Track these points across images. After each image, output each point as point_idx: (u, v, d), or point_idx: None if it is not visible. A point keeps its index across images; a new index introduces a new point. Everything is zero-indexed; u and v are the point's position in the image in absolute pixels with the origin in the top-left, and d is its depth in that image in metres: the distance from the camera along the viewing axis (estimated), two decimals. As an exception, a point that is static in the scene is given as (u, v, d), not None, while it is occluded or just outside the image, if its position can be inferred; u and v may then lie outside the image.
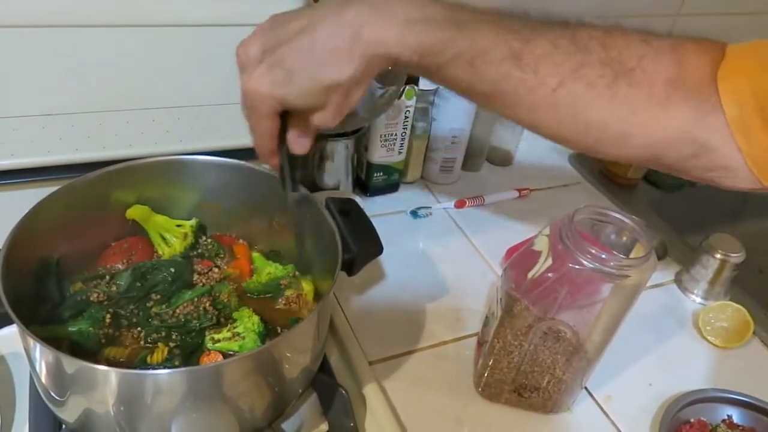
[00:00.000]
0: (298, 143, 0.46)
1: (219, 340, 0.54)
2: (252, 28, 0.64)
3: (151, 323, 0.55)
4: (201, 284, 0.59)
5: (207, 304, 0.56)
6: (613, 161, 0.97)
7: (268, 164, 0.48)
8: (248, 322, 0.55)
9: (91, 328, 0.53)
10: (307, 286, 0.61)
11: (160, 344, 0.53)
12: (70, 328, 0.53)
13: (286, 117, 0.44)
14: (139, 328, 0.55)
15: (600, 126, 0.43)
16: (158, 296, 0.57)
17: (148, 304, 0.57)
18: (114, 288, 0.58)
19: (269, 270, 0.62)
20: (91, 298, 0.56)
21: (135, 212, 0.61)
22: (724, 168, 0.43)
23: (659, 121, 0.43)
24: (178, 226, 0.64)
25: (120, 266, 0.60)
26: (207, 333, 0.55)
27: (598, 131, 0.44)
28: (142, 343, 0.54)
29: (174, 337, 0.54)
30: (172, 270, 0.59)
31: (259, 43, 0.41)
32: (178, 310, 0.56)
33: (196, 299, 0.56)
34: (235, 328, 0.55)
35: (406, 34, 0.40)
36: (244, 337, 0.54)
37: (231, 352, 0.53)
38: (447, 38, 0.40)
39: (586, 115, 0.43)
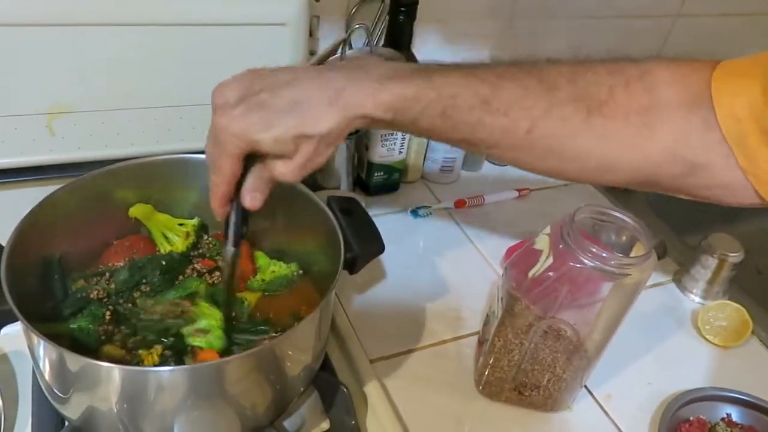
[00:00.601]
0: (252, 197, 0.45)
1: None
2: (256, 28, 0.65)
3: (137, 325, 0.55)
4: (193, 284, 0.59)
5: (187, 306, 0.56)
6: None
7: (217, 214, 0.47)
8: (210, 318, 0.54)
9: (91, 325, 0.53)
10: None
11: (141, 351, 0.52)
12: (70, 325, 0.53)
13: (247, 168, 0.44)
14: (127, 330, 0.55)
15: (582, 158, 0.44)
16: (147, 288, 0.57)
17: (135, 294, 0.57)
18: (113, 285, 0.58)
19: (273, 268, 0.62)
20: (91, 296, 0.56)
21: (137, 211, 0.61)
22: (723, 185, 0.44)
23: (640, 147, 0.43)
24: (180, 225, 0.64)
25: (121, 264, 0.60)
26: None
27: (580, 163, 0.45)
28: (129, 345, 0.53)
29: (161, 339, 0.53)
30: (163, 263, 0.59)
31: (238, 88, 0.42)
32: (158, 308, 0.55)
33: (178, 300, 0.56)
34: (196, 324, 0.54)
35: (379, 94, 0.41)
36: (207, 332, 0.53)
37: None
38: (417, 92, 0.42)
39: (566, 149, 0.44)
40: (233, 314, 0.56)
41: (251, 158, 0.43)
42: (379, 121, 0.43)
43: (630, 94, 0.43)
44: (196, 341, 0.53)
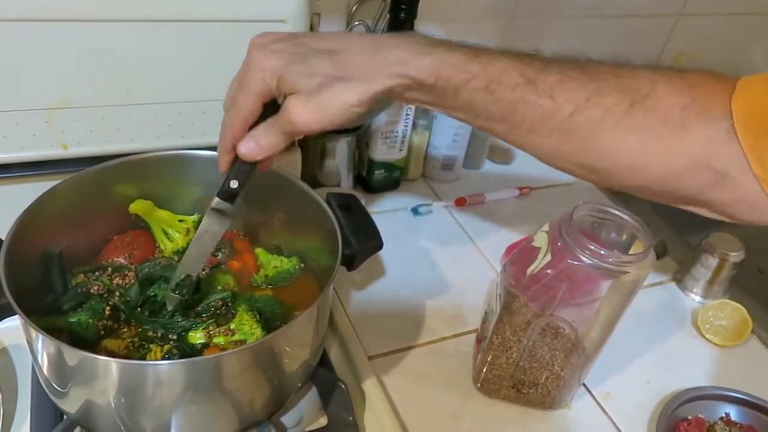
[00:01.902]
0: (251, 147, 0.43)
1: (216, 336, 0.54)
2: (255, 24, 0.64)
3: (149, 321, 0.55)
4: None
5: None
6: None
7: (221, 162, 0.46)
8: (249, 334, 0.54)
9: (90, 320, 0.53)
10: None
11: (151, 346, 0.53)
12: (69, 320, 0.53)
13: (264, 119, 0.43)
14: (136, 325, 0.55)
15: (617, 152, 0.43)
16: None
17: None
18: (124, 299, 0.56)
19: (275, 264, 0.62)
20: (92, 291, 0.56)
21: (138, 207, 0.62)
22: (745, 200, 0.43)
23: (674, 147, 0.43)
24: (181, 221, 0.64)
25: (122, 260, 0.60)
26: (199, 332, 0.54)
27: (614, 159, 0.44)
28: (136, 340, 0.53)
29: (170, 337, 0.54)
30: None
31: (280, 35, 0.42)
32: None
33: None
34: (234, 337, 0.54)
35: (423, 56, 0.41)
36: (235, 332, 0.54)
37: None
38: (462, 61, 0.41)
39: (604, 141, 0.43)
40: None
41: (271, 112, 0.42)
42: (419, 86, 0.41)
43: (671, 90, 0.42)
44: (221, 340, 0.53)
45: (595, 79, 0.42)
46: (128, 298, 0.56)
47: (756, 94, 0.42)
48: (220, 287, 0.59)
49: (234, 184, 0.48)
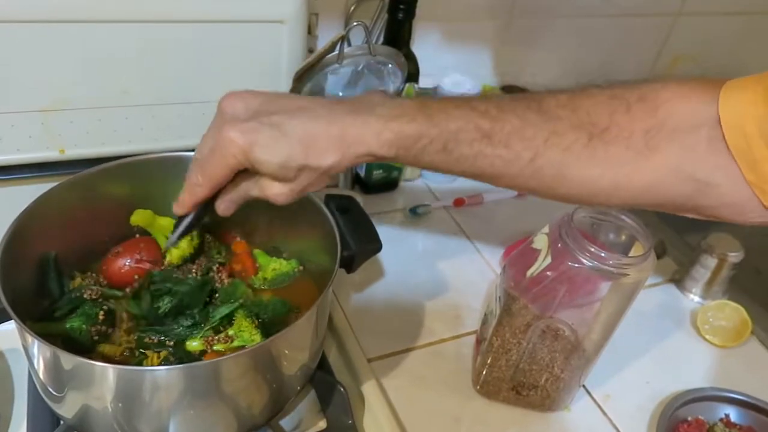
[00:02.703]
0: (227, 207, 0.46)
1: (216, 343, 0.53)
2: (254, 25, 0.64)
3: (148, 329, 0.54)
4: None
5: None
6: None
7: (180, 209, 0.47)
8: (249, 341, 0.53)
9: (84, 325, 0.53)
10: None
11: (148, 353, 0.52)
12: (64, 325, 0.52)
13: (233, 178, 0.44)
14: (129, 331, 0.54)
15: (588, 183, 0.45)
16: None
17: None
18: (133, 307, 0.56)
19: (274, 266, 0.62)
20: (84, 296, 0.55)
21: (138, 218, 0.61)
22: (732, 204, 0.43)
23: (645, 169, 0.43)
24: None
25: (129, 261, 0.59)
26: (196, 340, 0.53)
27: (587, 188, 0.45)
28: (133, 346, 0.53)
29: (168, 344, 0.53)
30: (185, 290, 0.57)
31: (251, 103, 0.43)
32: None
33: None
34: (234, 343, 0.53)
35: (383, 134, 0.42)
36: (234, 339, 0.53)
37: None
38: (419, 130, 0.43)
39: (571, 176, 0.44)
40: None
41: (240, 171, 0.44)
42: (381, 158, 0.44)
43: (632, 118, 0.43)
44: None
45: (553, 119, 0.43)
46: (137, 309, 0.55)
47: (744, 101, 0.41)
48: (240, 298, 0.58)
49: (195, 226, 0.49)
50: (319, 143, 0.42)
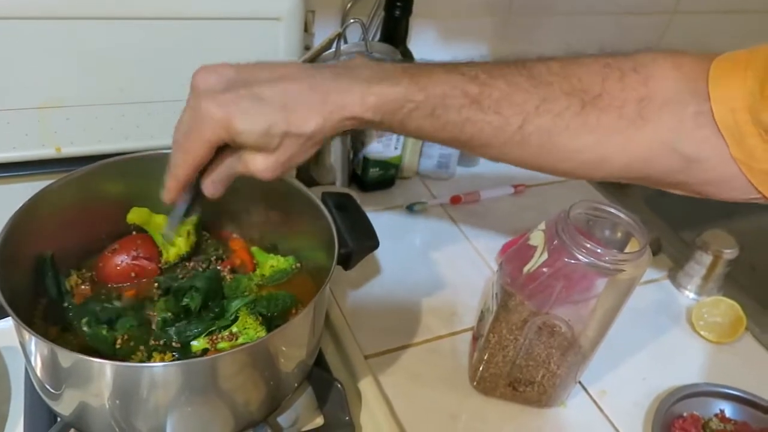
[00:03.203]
0: (215, 187, 0.44)
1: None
2: (250, 22, 0.64)
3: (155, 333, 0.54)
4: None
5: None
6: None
7: (167, 197, 0.46)
8: (252, 335, 0.53)
9: (107, 333, 0.52)
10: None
11: (154, 354, 0.52)
12: (86, 329, 0.53)
13: (214, 157, 0.43)
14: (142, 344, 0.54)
15: (576, 152, 0.44)
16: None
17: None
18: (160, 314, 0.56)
19: (272, 263, 0.62)
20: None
21: (135, 216, 0.60)
22: (718, 180, 0.43)
23: (634, 139, 0.43)
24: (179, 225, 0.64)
25: (125, 259, 0.59)
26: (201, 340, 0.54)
27: (575, 157, 0.44)
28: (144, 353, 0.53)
29: (173, 345, 0.53)
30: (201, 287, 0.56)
31: (225, 75, 0.41)
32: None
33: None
34: (239, 340, 0.53)
35: (367, 97, 0.41)
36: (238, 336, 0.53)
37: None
38: (404, 93, 0.41)
39: (559, 144, 0.43)
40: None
41: (222, 147, 0.42)
42: (367, 123, 0.42)
43: (624, 87, 0.42)
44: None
45: (543, 85, 0.42)
46: (173, 307, 0.55)
47: (733, 76, 0.41)
48: (246, 293, 0.58)
49: (188, 213, 0.48)
50: (300, 109, 0.40)
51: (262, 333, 0.53)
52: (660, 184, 0.46)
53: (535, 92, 0.42)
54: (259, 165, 0.42)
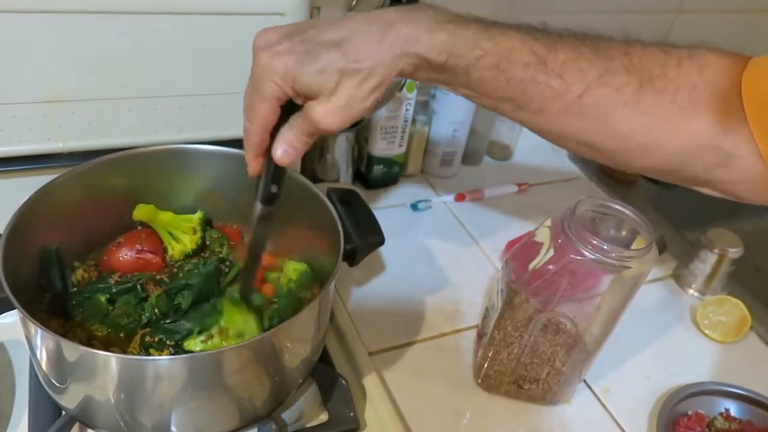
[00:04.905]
0: (284, 150, 0.42)
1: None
2: (255, 17, 0.64)
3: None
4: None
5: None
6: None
7: (249, 167, 0.45)
8: (243, 324, 0.53)
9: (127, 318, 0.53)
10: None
11: (151, 350, 0.52)
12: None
13: (284, 120, 0.42)
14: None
15: (627, 132, 0.43)
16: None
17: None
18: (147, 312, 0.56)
19: (293, 267, 0.61)
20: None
21: (141, 213, 0.60)
22: (749, 180, 0.43)
23: (684, 128, 0.42)
24: (185, 221, 0.63)
25: (130, 252, 0.59)
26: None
27: (624, 139, 0.44)
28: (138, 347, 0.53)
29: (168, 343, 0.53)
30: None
31: (282, 30, 0.40)
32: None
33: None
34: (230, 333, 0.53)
35: (435, 32, 0.39)
36: (242, 336, 0.53)
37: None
38: (473, 38, 0.40)
39: (614, 120, 0.43)
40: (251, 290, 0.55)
41: (290, 109, 0.41)
42: (429, 65, 0.41)
43: (681, 72, 0.42)
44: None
45: (606, 58, 0.42)
46: (157, 309, 0.55)
47: (766, 72, 0.41)
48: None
49: (274, 188, 0.47)
50: (357, 42, 0.38)
51: (251, 319, 0.53)
52: (697, 181, 0.46)
53: (598, 63, 0.41)
54: (319, 112, 0.40)
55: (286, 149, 0.42)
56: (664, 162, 0.44)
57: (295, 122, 0.42)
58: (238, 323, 0.53)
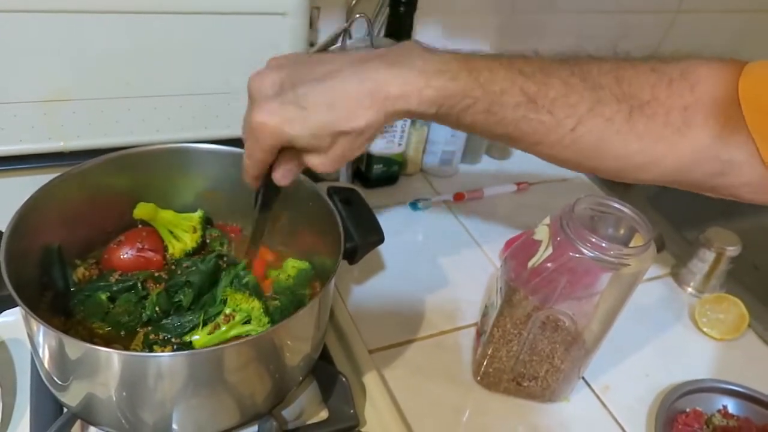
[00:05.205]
0: (284, 177, 0.45)
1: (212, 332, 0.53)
2: (256, 17, 0.64)
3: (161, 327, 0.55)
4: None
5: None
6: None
7: (251, 184, 0.48)
8: (249, 309, 0.54)
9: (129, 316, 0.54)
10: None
11: (155, 347, 0.53)
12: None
13: (280, 153, 0.44)
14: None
15: (623, 156, 0.44)
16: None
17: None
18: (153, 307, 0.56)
19: (292, 264, 0.61)
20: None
21: (141, 212, 0.61)
22: (750, 183, 0.44)
23: (680, 146, 0.43)
24: (186, 219, 0.64)
25: (130, 251, 0.60)
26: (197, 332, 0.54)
27: (621, 162, 0.45)
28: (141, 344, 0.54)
29: (173, 341, 0.54)
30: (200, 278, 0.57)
31: (276, 77, 0.41)
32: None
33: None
34: (236, 319, 0.54)
35: (424, 90, 0.40)
36: (248, 322, 0.53)
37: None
38: (463, 89, 0.41)
39: (608, 149, 0.44)
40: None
41: (285, 148, 0.43)
42: (420, 115, 0.42)
43: (672, 93, 0.43)
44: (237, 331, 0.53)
45: (596, 88, 0.43)
46: (157, 307, 0.55)
47: (763, 77, 0.42)
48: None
49: (273, 197, 0.51)
50: (349, 105, 0.40)
51: (255, 303, 0.53)
52: (698, 188, 0.47)
53: (588, 95, 0.42)
54: (316, 163, 0.43)
55: (285, 174, 0.45)
56: (664, 175, 0.45)
57: (292, 160, 0.44)
58: (243, 307, 0.53)
